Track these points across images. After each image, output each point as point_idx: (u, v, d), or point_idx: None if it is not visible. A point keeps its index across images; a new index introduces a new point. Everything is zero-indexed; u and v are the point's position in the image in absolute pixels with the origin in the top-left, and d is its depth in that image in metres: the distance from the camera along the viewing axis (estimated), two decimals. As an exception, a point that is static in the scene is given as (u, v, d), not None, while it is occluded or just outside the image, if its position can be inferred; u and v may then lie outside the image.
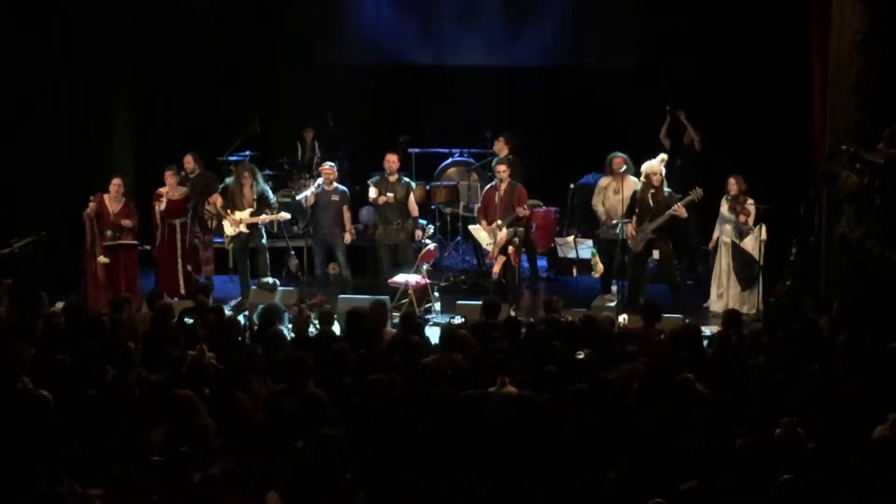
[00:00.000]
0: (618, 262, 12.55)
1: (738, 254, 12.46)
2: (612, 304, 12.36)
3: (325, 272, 13.27)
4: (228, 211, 12.90)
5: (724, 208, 12.54)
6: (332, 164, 13.38)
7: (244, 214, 12.86)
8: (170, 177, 13.01)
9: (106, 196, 12.57)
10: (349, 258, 13.30)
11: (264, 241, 13.14)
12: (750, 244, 12.43)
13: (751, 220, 12.41)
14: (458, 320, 11.05)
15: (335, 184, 13.09)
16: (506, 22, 16.06)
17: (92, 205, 12.44)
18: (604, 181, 13.11)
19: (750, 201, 12.42)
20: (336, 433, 6.51)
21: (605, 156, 13.20)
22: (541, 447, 6.83)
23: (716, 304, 12.63)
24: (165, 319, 9.59)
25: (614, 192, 12.85)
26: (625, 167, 12.73)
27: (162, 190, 13.06)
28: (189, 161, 13.59)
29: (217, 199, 13.04)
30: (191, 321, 9.91)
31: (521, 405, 7.36)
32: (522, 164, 13.68)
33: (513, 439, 6.94)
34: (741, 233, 12.45)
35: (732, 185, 12.44)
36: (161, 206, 12.95)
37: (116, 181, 12.65)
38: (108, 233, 12.51)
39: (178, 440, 6.67)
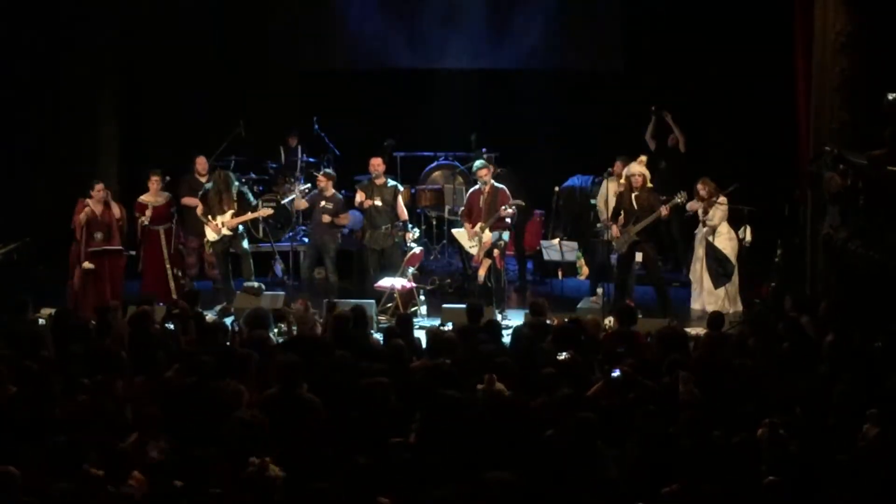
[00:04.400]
0: (604, 264, 12.57)
1: (712, 252, 12.53)
2: (598, 305, 12.36)
3: (311, 276, 13.22)
4: (209, 217, 12.87)
5: (699, 211, 12.58)
6: (330, 171, 13.30)
7: (226, 217, 12.82)
8: (155, 182, 12.96)
9: (89, 201, 12.49)
10: (336, 262, 13.28)
11: (246, 245, 13.10)
12: (724, 243, 12.49)
13: (716, 219, 12.43)
14: (448, 327, 11.03)
15: (333, 191, 13.04)
16: (490, 25, 16.06)
17: (87, 209, 12.33)
18: (611, 184, 13.11)
19: (722, 198, 12.45)
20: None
21: (590, 158, 13.26)
22: (527, 448, 6.86)
23: (695, 302, 12.75)
24: (143, 324, 9.54)
25: (613, 194, 12.93)
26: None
27: (145, 199, 12.97)
28: (202, 163, 13.47)
29: (198, 207, 13.00)
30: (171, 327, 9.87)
31: (513, 407, 7.40)
32: (516, 174, 13.70)
33: (501, 439, 6.97)
34: (713, 230, 12.50)
35: (701, 190, 12.47)
36: (146, 219, 12.88)
37: (99, 186, 12.56)
38: (98, 235, 12.43)
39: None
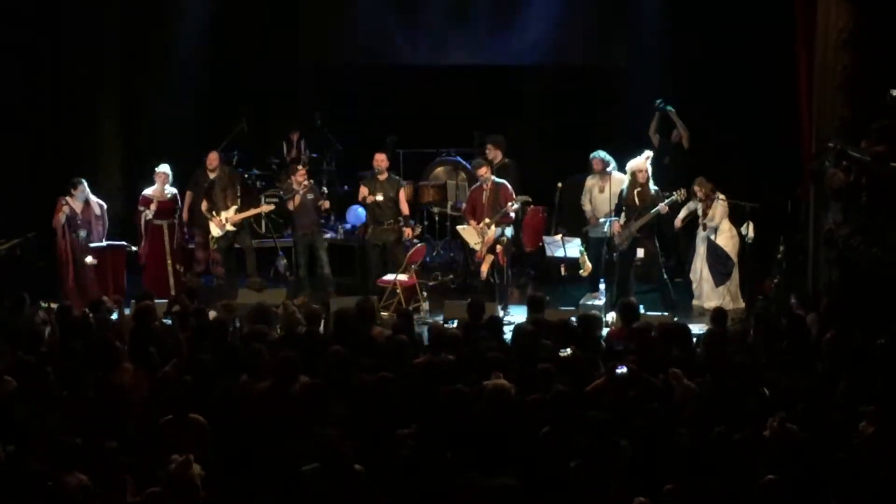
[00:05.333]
0: (605, 260, 12.56)
1: (713, 250, 12.51)
2: (600, 302, 12.35)
3: (308, 272, 13.22)
4: (213, 213, 12.87)
5: (698, 210, 12.57)
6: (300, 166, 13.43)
7: (229, 213, 12.84)
8: (161, 176, 12.93)
9: (69, 199, 12.49)
10: (335, 258, 13.29)
11: (251, 240, 13.11)
12: (725, 241, 12.47)
13: (717, 218, 12.41)
14: (454, 324, 11.03)
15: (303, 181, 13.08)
16: (494, 20, 16.05)
17: (66, 208, 12.36)
18: (590, 181, 13.13)
19: (721, 196, 12.43)
20: None
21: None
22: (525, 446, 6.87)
23: (696, 299, 12.74)
24: (146, 320, 9.55)
25: (599, 191, 12.90)
26: (610, 167, 12.79)
27: (150, 193, 12.96)
28: (214, 159, 13.34)
29: (203, 203, 12.99)
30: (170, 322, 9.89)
31: (515, 401, 7.42)
32: (518, 167, 13.69)
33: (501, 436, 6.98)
34: (715, 229, 12.48)
35: (698, 190, 12.46)
36: (150, 214, 12.86)
37: (81, 187, 12.56)
38: (83, 232, 12.45)
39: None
